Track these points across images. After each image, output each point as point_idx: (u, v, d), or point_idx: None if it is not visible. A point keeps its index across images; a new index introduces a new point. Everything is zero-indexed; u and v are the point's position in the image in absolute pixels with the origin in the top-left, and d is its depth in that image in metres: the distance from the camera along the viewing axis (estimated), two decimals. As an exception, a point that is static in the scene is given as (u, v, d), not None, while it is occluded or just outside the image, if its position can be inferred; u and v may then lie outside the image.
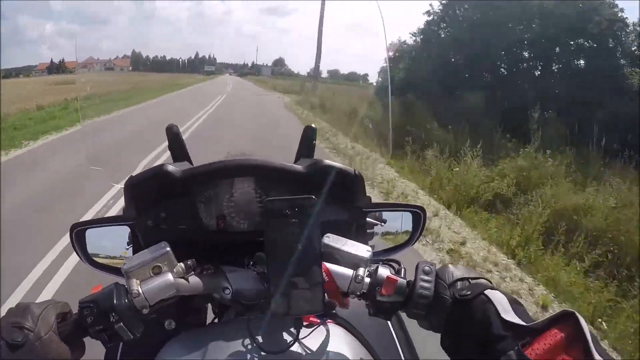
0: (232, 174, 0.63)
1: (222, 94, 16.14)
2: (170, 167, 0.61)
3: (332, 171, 0.62)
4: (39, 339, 0.46)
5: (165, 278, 0.52)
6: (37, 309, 0.49)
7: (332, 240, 0.56)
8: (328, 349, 0.55)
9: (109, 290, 0.50)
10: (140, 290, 0.50)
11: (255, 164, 0.62)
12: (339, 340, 0.57)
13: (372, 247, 0.67)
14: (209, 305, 0.70)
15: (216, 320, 0.71)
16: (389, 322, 0.75)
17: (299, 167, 0.63)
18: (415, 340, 0.76)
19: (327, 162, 0.63)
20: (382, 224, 0.72)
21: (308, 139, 0.74)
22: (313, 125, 0.76)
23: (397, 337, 0.74)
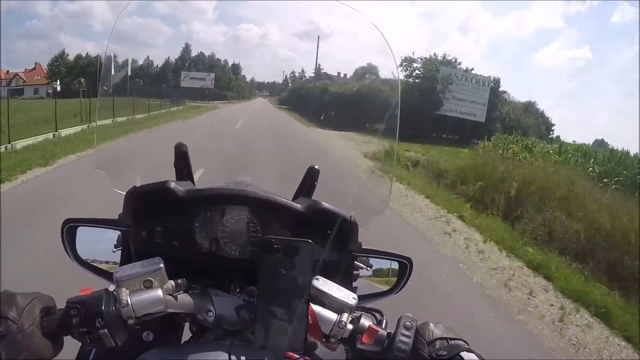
0: (233, 202, 0.65)
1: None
2: (174, 185, 0.63)
3: (330, 215, 0.64)
4: (21, 331, 0.45)
5: (156, 293, 0.52)
6: (23, 300, 0.47)
7: (320, 283, 0.58)
8: None
9: (99, 295, 0.50)
10: (130, 301, 0.50)
11: (258, 197, 0.64)
12: None
13: (356, 288, 0.68)
14: (186, 324, 0.69)
15: (191, 340, 0.70)
16: None
17: (298, 206, 0.65)
18: None
19: (326, 205, 0.65)
20: (369, 268, 0.73)
21: (310, 178, 0.77)
22: (316, 167, 0.78)
23: None
